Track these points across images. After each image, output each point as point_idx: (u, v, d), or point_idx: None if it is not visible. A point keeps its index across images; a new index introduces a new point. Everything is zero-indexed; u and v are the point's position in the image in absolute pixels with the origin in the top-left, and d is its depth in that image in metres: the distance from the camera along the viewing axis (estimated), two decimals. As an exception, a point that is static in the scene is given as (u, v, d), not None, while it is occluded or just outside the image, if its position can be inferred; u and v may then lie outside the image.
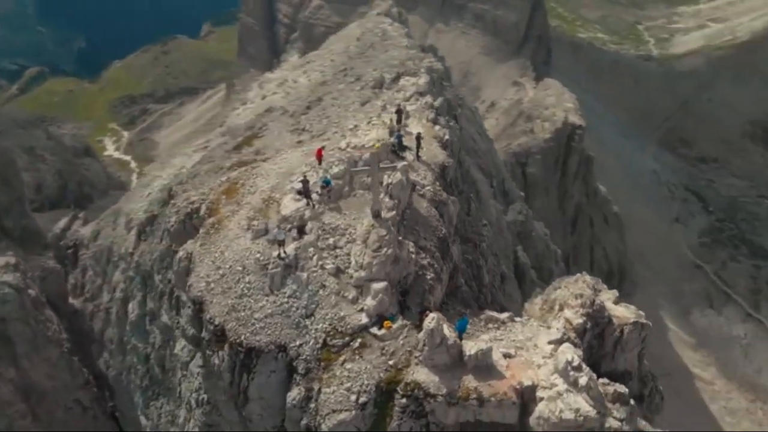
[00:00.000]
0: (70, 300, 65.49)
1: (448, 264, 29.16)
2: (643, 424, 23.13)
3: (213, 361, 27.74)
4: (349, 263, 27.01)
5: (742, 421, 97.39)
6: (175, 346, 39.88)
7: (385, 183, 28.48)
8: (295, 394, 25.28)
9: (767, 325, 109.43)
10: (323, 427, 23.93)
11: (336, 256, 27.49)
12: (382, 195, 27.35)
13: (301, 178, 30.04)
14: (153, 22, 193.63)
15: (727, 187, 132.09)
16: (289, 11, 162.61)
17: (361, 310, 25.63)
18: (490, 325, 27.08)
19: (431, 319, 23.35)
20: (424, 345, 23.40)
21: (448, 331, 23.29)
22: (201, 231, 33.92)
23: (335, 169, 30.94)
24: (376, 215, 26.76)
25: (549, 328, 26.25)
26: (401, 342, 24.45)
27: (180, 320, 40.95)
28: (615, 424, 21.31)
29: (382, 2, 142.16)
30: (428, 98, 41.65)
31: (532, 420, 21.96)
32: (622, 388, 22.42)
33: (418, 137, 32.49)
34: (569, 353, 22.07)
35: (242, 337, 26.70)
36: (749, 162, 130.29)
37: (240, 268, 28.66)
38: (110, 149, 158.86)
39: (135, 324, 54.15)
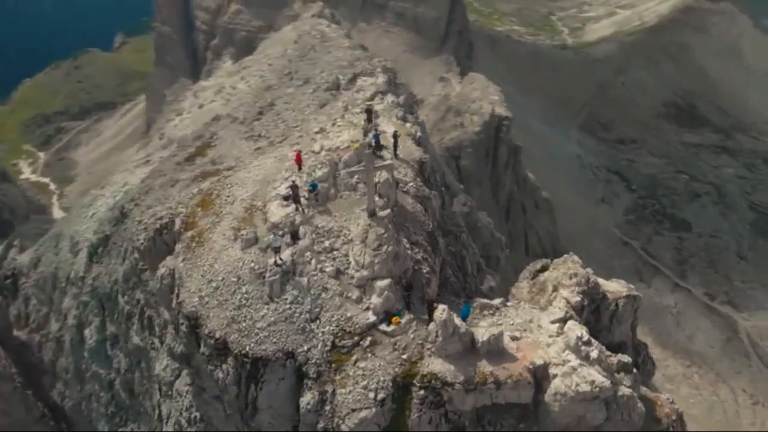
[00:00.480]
0: (15, 332, 62.11)
1: (439, 257, 29.91)
2: (644, 389, 24.65)
3: (216, 375, 27.29)
4: (348, 264, 27.22)
5: (681, 387, 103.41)
6: (155, 367, 38.85)
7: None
8: (308, 398, 25.31)
9: (695, 293, 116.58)
10: (343, 427, 24.13)
11: (334, 258, 27.63)
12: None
13: (289, 183, 29.95)
14: (61, 36, 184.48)
15: (646, 165, 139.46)
16: (206, 18, 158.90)
17: (367, 308, 25.95)
18: (485, 312, 27.96)
19: (442, 311, 23.99)
20: (436, 336, 24.00)
21: (458, 320, 23.99)
22: (179, 246, 33.15)
23: (319, 173, 31.01)
24: (372, 214, 27.12)
25: (542, 309, 27.47)
26: (411, 336, 24.97)
27: (155, 340, 39.99)
28: (627, 391, 22.68)
29: (302, 3, 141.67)
30: (391, 97, 42.25)
31: (548, 397, 23.00)
32: (625, 358, 23.83)
33: (395, 135, 33.02)
34: (578, 329, 23.29)
35: (247, 348, 26.44)
36: (664, 141, 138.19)
37: (234, 279, 28.32)
38: (27, 172, 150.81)
39: (94, 350, 52.23)
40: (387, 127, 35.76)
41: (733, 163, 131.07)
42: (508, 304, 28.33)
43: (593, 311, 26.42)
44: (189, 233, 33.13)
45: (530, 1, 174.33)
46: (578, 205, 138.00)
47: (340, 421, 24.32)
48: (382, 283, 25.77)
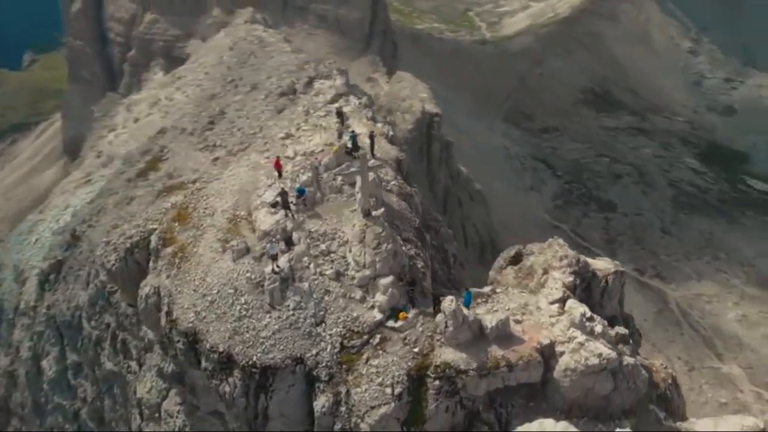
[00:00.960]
0: (-43, 371, 58.45)
1: (429, 252, 30.74)
2: (639, 358, 26.37)
3: (222, 389, 27.01)
4: (347, 265, 27.60)
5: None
6: (134, 391, 37.77)
7: (358, 184, 29.36)
8: (323, 401, 25.54)
9: (625, 269, 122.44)
10: (363, 426, 24.52)
11: (332, 261, 27.95)
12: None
13: (276, 190, 29.98)
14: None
15: (569, 151, 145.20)
16: (120, 29, 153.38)
17: (372, 307, 26.44)
18: (479, 300, 28.91)
19: (450, 301, 24.81)
20: (446, 326, 24.79)
21: (466, 309, 24.89)
22: (160, 263, 32.50)
23: (303, 177, 31.19)
24: (367, 214, 27.59)
25: (533, 292, 28.79)
26: (420, 329, 25.64)
27: (132, 364, 38.92)
28: (630, 360, 24.24)
29: (221, 10, 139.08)
30: (354, 98, 42.76)
31: (557, 374, 24.24)
32: (623, 330, 25.42)
33: (372, 136, 33.56)
34: (580, 307, 24.68)
35: (254, 358, 26.38)
36: (585, 126, 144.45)
37: (231, 291, 28.11)
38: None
39: (55, 381, 50.08)
40: (358, 128, 36.23)
41: (650, 143, 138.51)
42: (498, 291, 29.42)
43: (584, 289, 27.94)
44: (169, 249, 32.54)
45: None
46: (509, 194, 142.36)
47: (359, 420, 24.69)
48: (385, 281, 26.32)
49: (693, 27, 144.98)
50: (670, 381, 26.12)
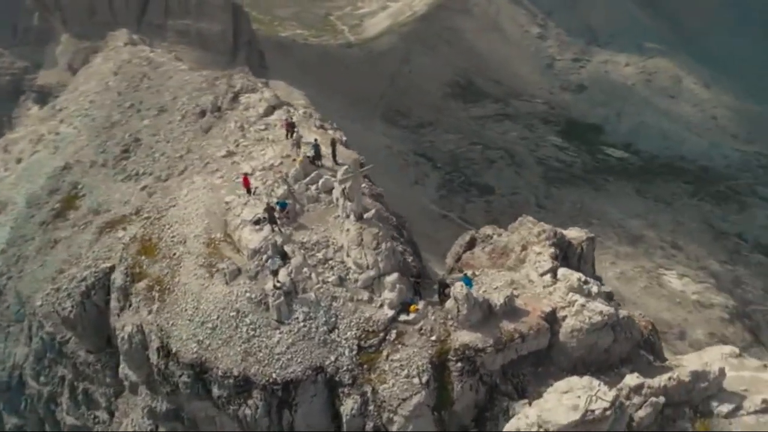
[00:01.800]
0: None
1: (410, 246, 32.08)
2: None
3: (242, 413, 26.69)
4: (347, 270, 28.29)
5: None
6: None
7: (340, 189, 30.14)
8: (350, 404, 26.11)
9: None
10: (396, 418, 25.47)
11: (332, 267, 28.49)
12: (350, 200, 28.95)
13: (263, 206, 29.92)
14: None
15: (445, 143, 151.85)
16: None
17: (381, 305, 27.38)
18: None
19: (461, 287, 26.37)
20: (458, 311, 26.33)
21: (475, 292, 26.60)
22: (134, 300, 31.23)
23: (279, 191, 31.27)
24: (360, 217, 28.44)
25: (512, 269, 31.10)
26: (433, 318, 26.99)
27: (99, 413, 36.90)
28: (624, 312, 27.20)
29: (69, 36, 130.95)
30: (290, 108, 43.06)
31: (563, 336, 26.63)
32: (607, 288, 28.29)
33: (333, 143, 34.27)
34: (575, 273, 27.24)
35: (273, 375, 26.38)
36: (455, 118, 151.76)
37: (233, 314, 27.77)
38: None
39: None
40: (310, 136, 36.77)
41: (515, 126, 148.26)
42: (477, 273, 31.37)
43: (563, 258, 30.61)
44: (141, 284, 31.36)
45: (306, 4, 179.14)
46: (397, 191, 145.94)
47: (391, 414, 25.59)
48: (391, 278, 27.35)
49: (539, 13, 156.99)
50: (650, 327, 29.51)
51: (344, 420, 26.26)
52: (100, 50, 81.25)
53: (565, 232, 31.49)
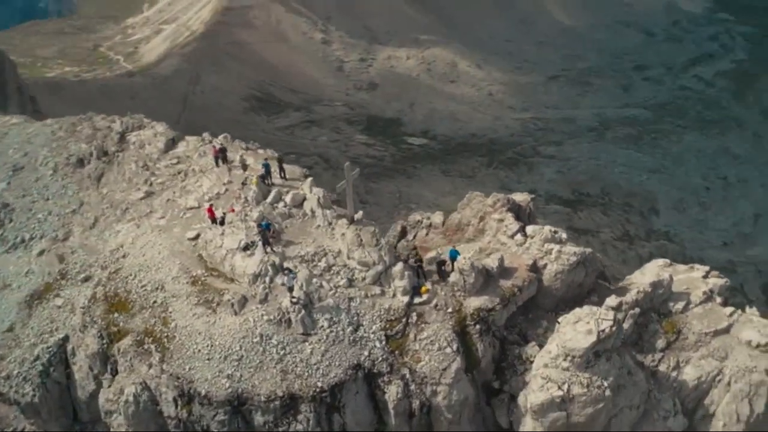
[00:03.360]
0: None
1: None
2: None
3: (293, 429, 27.06)
4: (352, 271, 29.87)
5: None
6: None
7: (314, 200, 31.54)
8: (394, 390, 27.92)
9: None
10: (440, 388, 28.02)
11: (338, 273, 29.83)
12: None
13: (255, 230, 29.98)
14: None
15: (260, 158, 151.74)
16: None
17: (394, 294, 29.54)
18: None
19: (464, 260, 29.57)
20: (464, 281, 29.54)
21: (475, 262, 29.96)
22: (121, 360, 29.38)
23: (254, 214, 31.47)
24: (352, 220, 30.15)
25: (472, 240, 35.04)
26: (443, 293, 29.84)
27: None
28: (588, 249, 32.42)
29: None
30: (206, 134, 42.58)
31: (547, 280, 31.20)
32: (564, 234, 33.25)
33: (281, 160, 35.15)
34: (543, 227, 31.85)
35: (318, 385, 27.16)
36: (262, 130, 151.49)
37: (257, 339, 27.78)
38: None
39: None
40: (238, 157, 37.30)
41: (323, 131, 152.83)
42: (444, 248, 34.77)
43: (516, 218, 35.05)
44: (126, 342, 29.64)
45: (69, 40, 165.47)
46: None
47: (435, 386, 28.08)
48: (397, 268, 29.59)
49: (318, 19, 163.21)
50: (599, 257, 35.42)
51: (391, 406, 28.02)
52: None
53: (512, 196, 36.11)
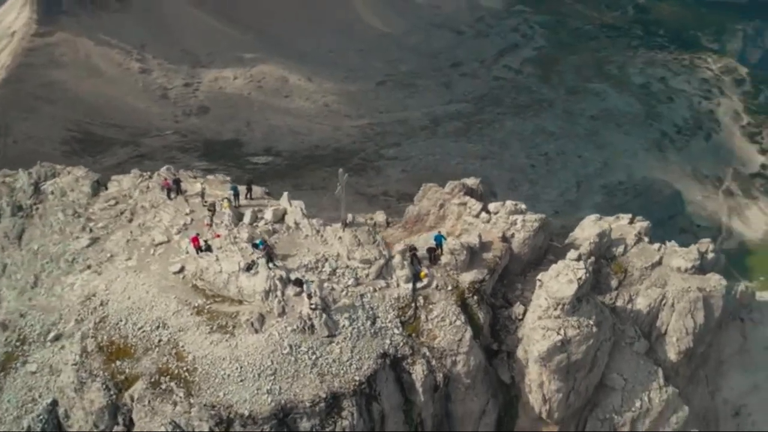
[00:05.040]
0: None
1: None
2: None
3: (340, 426, 27.91)
4: (354, 270, 31.32)
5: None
6: None
7: (297, 212, 32.57)
8: (420, 369, 29.99)
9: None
10: (459, 357, 30.69)
11: (343, 274, 31.14)
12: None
13: (251, 251, 30.19)
14: None
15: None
16: None
17: (398, 284, 31.53)
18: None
19: (454, 243, 32.46)
20: (456, 260, 32.44)
21: (461, 241, 32.95)
22: (140, 405, 28.02)
23: (244, 235, 31.48)
24: (344, 224, 31.61)
25: (434, 226, 37.96)
26: (439, 275, 32.43)
27: None
28: (543, 215, 36.72)
29: None
30: (136, 169, 40.41)
31: (516, 247, 35.25)
32: (523, 204, 37.16)
33: (250, 182, 35.53)
34: (506, 202, 35.69)
35: (356, 379, 28.38)
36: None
37: (287, 350, 28.17)
38: None
39: None
40: (193, 186, 36.76)
41: (156, 164, 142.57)
42: (414, 238, 37.39)
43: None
44: (139, 386, 28.35)
45: None
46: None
47: (454, 357, 30.71)
48: (396, 260, 31.69)
49: (132, 48, 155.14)
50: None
51: (418, 384, 30.01)
52: None
53: (463, 180, 39.46)
